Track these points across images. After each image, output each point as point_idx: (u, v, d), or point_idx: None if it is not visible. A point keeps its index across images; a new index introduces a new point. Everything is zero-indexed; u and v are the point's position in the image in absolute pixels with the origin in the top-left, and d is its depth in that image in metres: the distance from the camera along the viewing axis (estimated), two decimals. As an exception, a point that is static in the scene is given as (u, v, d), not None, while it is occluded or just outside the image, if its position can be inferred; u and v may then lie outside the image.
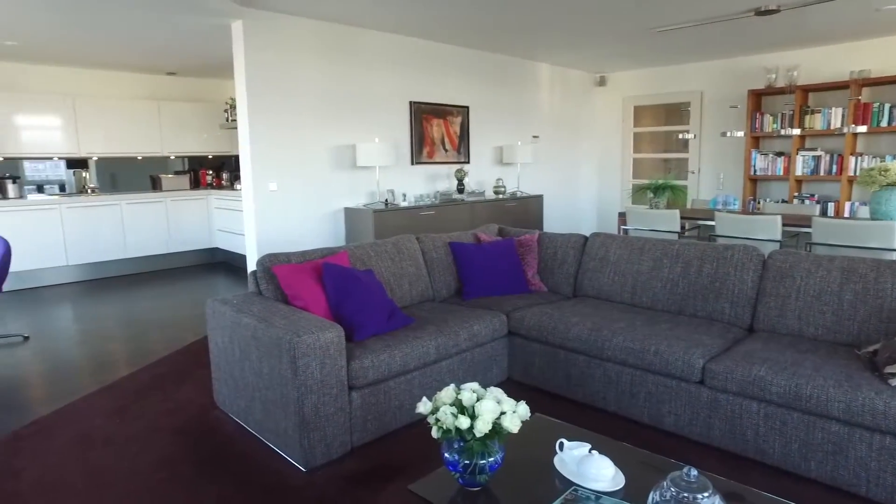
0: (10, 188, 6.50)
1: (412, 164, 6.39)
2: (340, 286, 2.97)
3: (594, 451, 2.03)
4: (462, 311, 3.39)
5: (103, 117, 7.08)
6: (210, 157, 8.17)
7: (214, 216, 7.63)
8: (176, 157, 7.89)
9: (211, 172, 8.08)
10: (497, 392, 2.04)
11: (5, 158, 6.73)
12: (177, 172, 7.89)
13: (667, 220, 5.31)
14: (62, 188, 7.24)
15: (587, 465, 1.99)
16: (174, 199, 7.38)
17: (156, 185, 7.70)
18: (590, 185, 9.02)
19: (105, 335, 4.75)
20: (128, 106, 7.27)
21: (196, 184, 7.98)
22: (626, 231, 5.80)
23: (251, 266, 5.38)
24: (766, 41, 6.52)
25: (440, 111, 6.60)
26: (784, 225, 4.74)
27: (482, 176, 7.12)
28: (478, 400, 1.99)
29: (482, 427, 1.89)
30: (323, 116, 5.56)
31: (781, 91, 6.83)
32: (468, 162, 6.95)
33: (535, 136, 7.85)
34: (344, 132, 5.75)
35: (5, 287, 4.51)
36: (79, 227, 6.70)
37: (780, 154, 7.01)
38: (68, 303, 5.90)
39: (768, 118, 6.99)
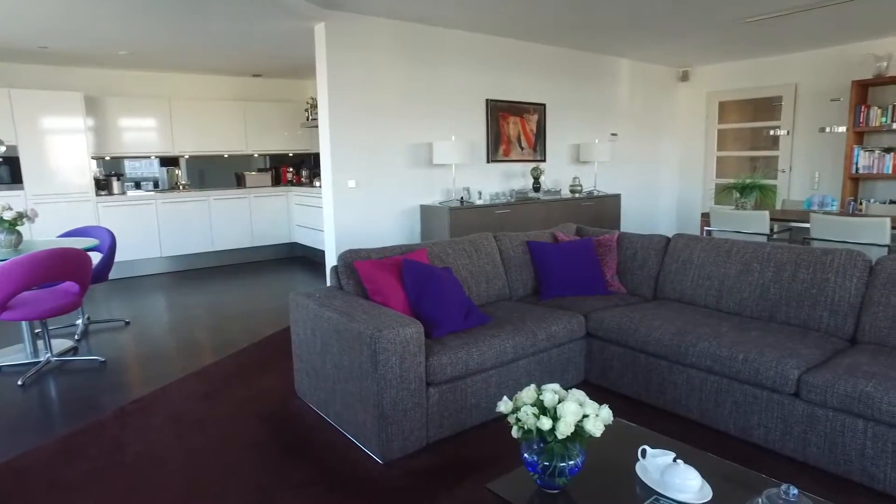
0: (115, 185, 7.00)
1: (488, 161, 6.38)
2: (420, 283, 3.00)
3: (679, 461, 1.96)
4: (539, 310, 3.36)
5: (195, 118, 7.49)
6: (290, 154, 8.48)
7: (294, 212, 7.92)
8: (259, 154, 8.24)
9: (291, 170, 8.39)
10: (579, 394, 2.00)
11: (111, 158, 7.25)
12: (259, 170, 8.24)
13: (755, 222, 5.04)
14: (156, 185, 7.72)
15: (672, 474, 1.92)
16: (257, 195, 7.71)
17: (240, 181, 8.07)
18: (669, 185, 8.70)
19: (193, 323, 5.03)
20: (217, 106, 7.65)
21: (277, 181, 8.30)
22: (708, 232, 5.56)
23: (330, 261, 5.55)
24: (874, 25, 6.04)
25: (516, 109, 6.55)
26: (894, 228, 4.38)
27: (558, 174, 7.01)
28: (559, 401, 1.96)
29: (564, 429, 1.87)
30: (400, 115, 5.64)
31: (893, 80, 6.31)
32: (544, 160, 6.86)
33: (613, 134, 7.65)
34: (421, 130, 5.81)
35: (110, 275, 4.86)
36: (171, 221, 7.13)
37: (888, 150, 6.49)
38: (161, 292, 6.30)
39: (875, 111, 6.49)
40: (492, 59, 6.23)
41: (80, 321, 4.89)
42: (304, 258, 8.03)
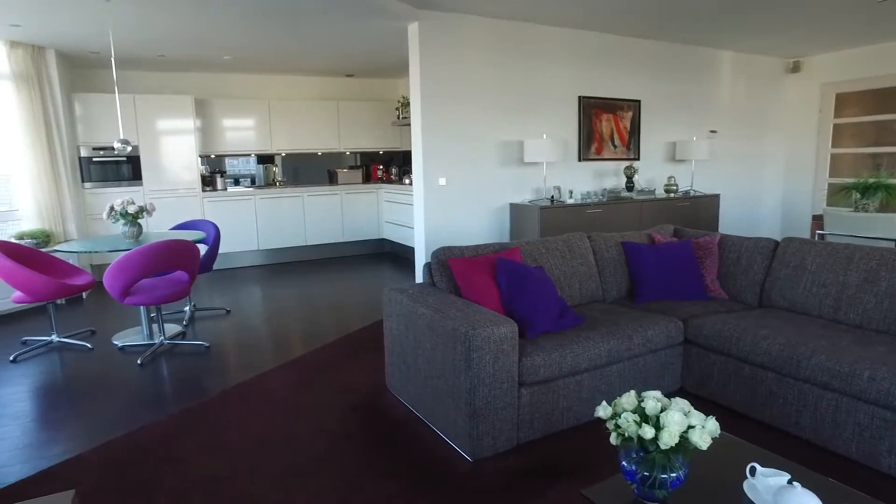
0: (219, 181, 7.44)
1: (579, 160, 6.23)
2: (514, 282, 2.97)
3: (796, 483, 1.81)
4: (635, 314, 3.23)
5: (291, 117, 7.82)
6: (381, 152, 8.67)
7: (384, 209, 8.10)
8: (351, 152, 8.48)
9: (381, 167, 8.57)
10: (682, 403, 1.90)
11: (216, 156, 7.72)
12: (351, 167, 8.49)
13: (880, 225, 4.61)
14: (253, 181, 8.13)
15: (787, 497, 1.78)
16: (348, 191, 7.95)
17: (332, 178, 8.35)
18: (773, 185, 8.15)
19: (287, 315, 5.25)
20: (311, 106, 7.95)
21: (367, 178, 8.51)
22: (821, 236, 5.15)
23: (419, 258, 5.62)
24: None
25: (610, 106, 6.36)
26: None
27: (652, 173, 6.74)
28: (662, 410, 1.87)
29: (668, 439, 1.78)
30: (492, 112, 5.62)
31: None
32: (638, 158, 6.62)
33: (712, 131, 7.26)
34: (512, 128, 5.76)
35: (212, 266, 5.18)
36: (268, 216, 7.49)
37: None
38: (257, 283, 6.63)
39: None
40: (586, 55, 6.08)
41: (187, 308, 5.23)
42: (392, 254, 8.20)
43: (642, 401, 1.91)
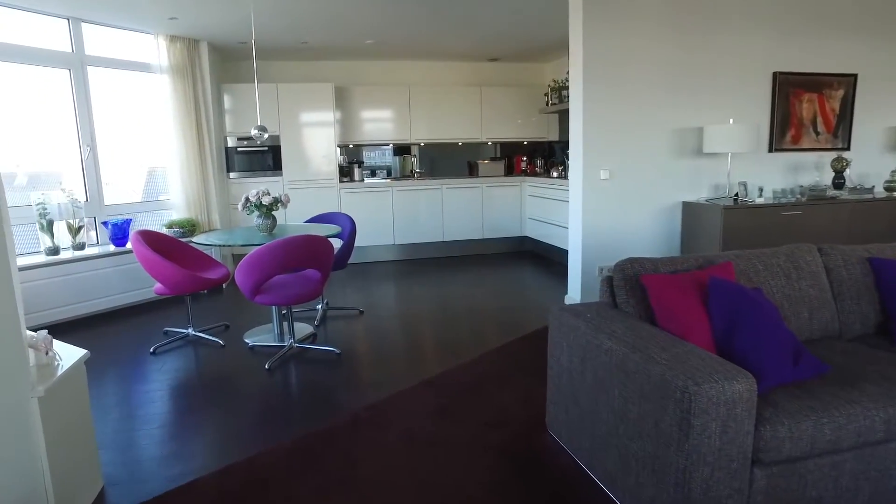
0: (356, 172, 7.19)
1: (770, 150, 5.13)
2: (732, 311, 2.17)
3: None
4: (906, 363, 2.28)
5: (431, 105, 7.37)
6: (525, 142, 7.98)
7: (527, 204, 7.42)
8: (492, 142, 7.88)
9: (525, 159, 7.89)
10: None
11: (354, 146, 7.50)
12: (492, 158, 7.89)
13: None
14: (388, 173, 7.81)
15: None
16: (489, 184, 7.36)
17: (472, 170, 7.81)
18: None
19: (423, 319, 4.76)
20: (453, 92, 7.45)
21: (510, 170, 7.87)
22: None
23: (574, 262, 4.88)
24: None
25: (814, 83, 5.16)
26: None
27: (866, 167, 5.42)
28: None
29: None
30: (664, 95, 4.73)
31: None
32: (846, 148, 5.34)
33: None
34: (687, 113, 4.82)
35: (347, 263, 4.82)
36: (404, 209, 7.11)
37: None
38: (392, 281, 6.25)
39: None
40: (784, 21, 4.95)
41: (319, 307, 4.93)
42: (533, 254, 7.51)
43: None
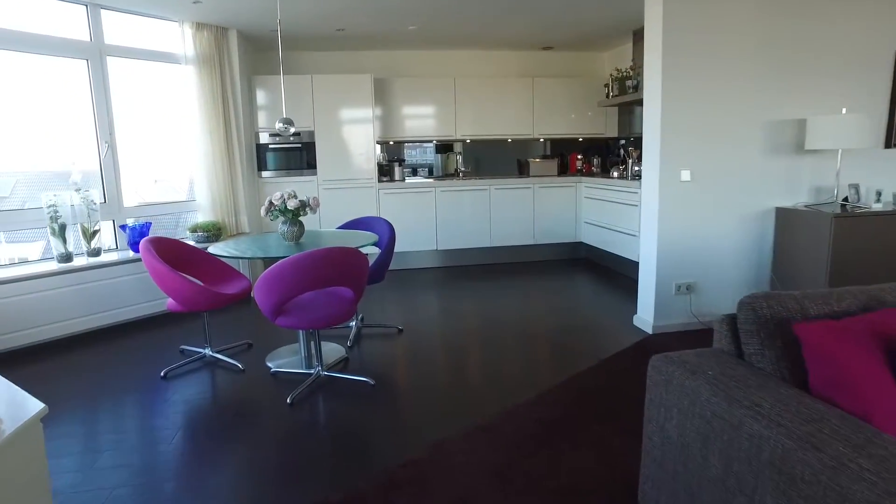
0: (396, 171, 6.63)
1: (888, 146, 4.31)
2: (941, 380, 1.48)
3: None
4: None
5: (478, 98, 6.74)
6: (580, 139, 7.27)
7: (582, 206, 6.72)
8: (544, 139, 7.20)
9: (580, 157, 7.18)
10: None
11: (394, 142, 6.94)
12: (543, 157, 7.21)
13: None
14: (430, 172, 7.22)
15: None
16: (542, 185, 6.69)
17: (522, 169, 7.16)
18: None
19: (471, 342, 4.14)
20: (502, 84, 6.80)
21: (563, 169, 7.18)
22: None
23: (646, 277, 4.19)
24: None
25: (941, 65, 4.31)
26: None
27: None
28: None
29: None
30: (758, 79, 3.98)
31: None
32: (977, 144, 4.47)
33: None
34: (786, 102, 4.07)
35: (385, 275, 4.24)
36: (448, 211, 6.52)
37: None
38: (435, 292, 5.65)
39: None
40: (906, -8, 4.13)
41: (353, 324, 4.37)
42: (587, 261, 6.80)
43: None
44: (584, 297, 5.35)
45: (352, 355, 3.90)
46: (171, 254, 3.75)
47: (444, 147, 7.20)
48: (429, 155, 7.32)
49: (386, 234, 4.17)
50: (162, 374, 3.60)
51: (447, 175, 7.09)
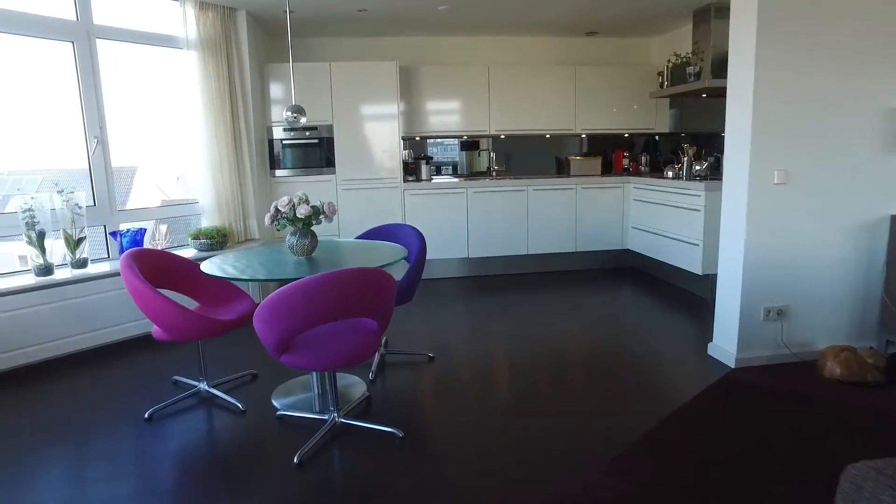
0: (423, 169, 5.97)
1: None
2: None
3: None
4: None
5: (513, 89, 6.05)
6: (626, 134, 6.54)
7: (630, 210, 6.00)
8: (586, 134, 6.47)
9: (627, 154, 6.46)
10: None
11: (420, 138, 6.29)
12: (585, 154, 6.50)
13: None
14: (454, 170, 6.55)
15: None
16: (586, 185, 5.98)
17: (561, 168, 6.46)
18: None
19: (517, 373, 3.46)
20: (542, 74, 6.09)
21: (607, 168, 6.46)
22: None
23: (728, 297, 3.44)
24: None
25: None
26: None
27: None
28: None
29: None
30: (870, 60, 3.24)
31: None
32: None
33: None
34: (903, 85, 3.32)
35: (414, 295, 3.57)
36: (481, 214, 5.84)
37: None
38: (468, 308, 4.98)
39: None
40: None
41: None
42: (635, 271, 6.08)
43: None
44: (637, 315, 4.64)
45: (374, 391, 3.26)
46: (161, 270, 3.14)
47: (469, 143, 6.52)
48: (451, 152, 6.63)
49: (416, 246, 3.51)
50: (146, 415, 2.98)
51: (472, 174, 6.42)
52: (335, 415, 2.79)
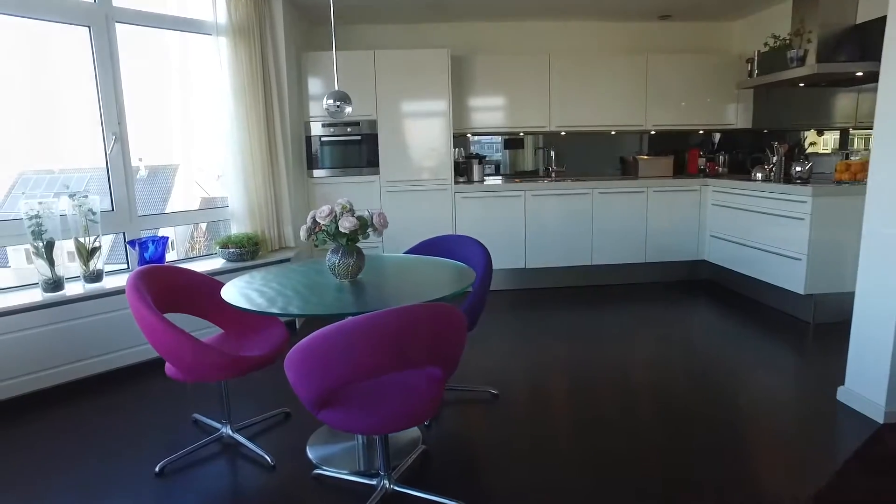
0: (475, 170, 5.38)
1: None
2: None
3: None
4: None
5: (576, 80, 5.39)
6: (700, 131, 5.82)
7: (708, 216, 5.28)
8: (657, 130, 5.78)
9: (701, 154, 5.74)
10: None
11: (472, 134, 5.69)
12: (655, 153, 5.81)
13: None
14: (497, 169, 5.93)
15: None
16: (658, 188, 5.29)
17: (627, 168, 5.79)
18: None
19: (596, 412, 2.82)
20: (608, 62, 5.42)
21: (680, 168, 5.76)
22: None
23: (869, 336, 2.71)
24: None
25: None
26: None
27: None
28: None
29: None
30: None
31: None
32: None
33: None
34: None
35: (477, 322, 2.98)
36: (538, 220, 5.21)
37: None
38: (531, 328, 4.36)
39: None
40: None
41: (430, 384, 3.14)
42: (711, 283, 5.37)
43: None
44: (729, 339, 3.94)
45: (431, 440, 2.68)
46: (179, 290, 2.63)
47: (517, 141, 5.89)
48: (489, 150, 5.94)
49: (481, 266, 2.91)
50: (157, 468, 2.47)
51: (517, 174, 5.80)
52: (385, 481, 2.22)
